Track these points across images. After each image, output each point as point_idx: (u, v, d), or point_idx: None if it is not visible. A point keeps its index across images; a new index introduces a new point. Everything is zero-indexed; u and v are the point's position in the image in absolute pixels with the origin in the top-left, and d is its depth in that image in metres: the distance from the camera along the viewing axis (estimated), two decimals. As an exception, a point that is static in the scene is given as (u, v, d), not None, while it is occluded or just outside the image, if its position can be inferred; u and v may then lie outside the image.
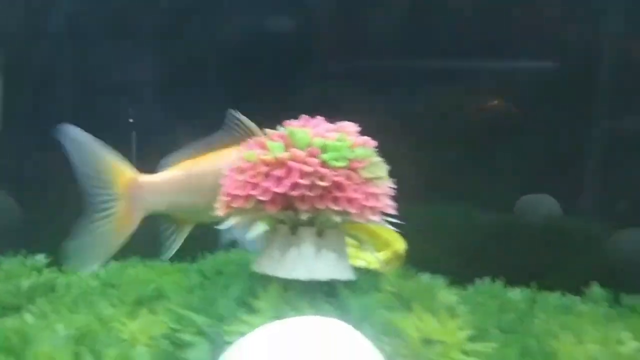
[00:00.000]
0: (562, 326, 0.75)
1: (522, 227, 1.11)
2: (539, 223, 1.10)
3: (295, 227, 0.64)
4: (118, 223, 0.70)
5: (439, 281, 0.82)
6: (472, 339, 0.63)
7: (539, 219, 1.11)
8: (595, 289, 0.94)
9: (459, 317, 0.63)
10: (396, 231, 0.89)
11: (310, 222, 0.64)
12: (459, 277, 0.98)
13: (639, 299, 0.94)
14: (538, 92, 1.07)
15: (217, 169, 0.67)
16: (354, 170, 0.63)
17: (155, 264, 0.98)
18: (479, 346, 0.59)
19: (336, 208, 0.60)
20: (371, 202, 0.62)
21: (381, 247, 0.85)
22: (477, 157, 1.08)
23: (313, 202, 0.60)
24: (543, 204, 1.11)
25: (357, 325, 0.55)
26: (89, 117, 0.88)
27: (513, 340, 0.74)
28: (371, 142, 0.67)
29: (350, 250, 0.84)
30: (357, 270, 0.77)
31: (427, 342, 0.55)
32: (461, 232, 1.12)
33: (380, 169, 0.65)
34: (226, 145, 0.73)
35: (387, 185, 0.66)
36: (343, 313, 0.57)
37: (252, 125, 0.73)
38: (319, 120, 0.67)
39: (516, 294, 0.96)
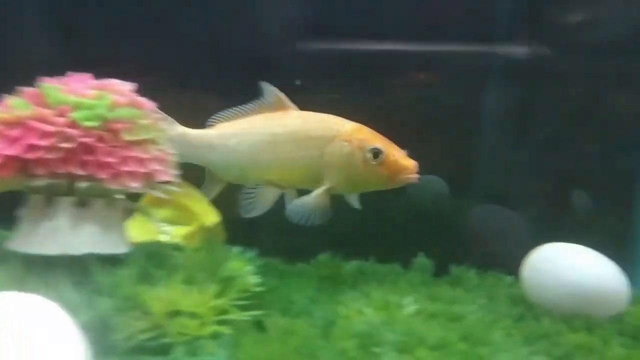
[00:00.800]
0: (364, 294, 0.77)
1: (401, 208, 1.13)
2: (424, 203, 1.13)
3: (51, 197, 0.59)
4: None
5: (248, 255, 0.80)
6: (246, 308, 0.62)
7: (427, 198, 1.14)
8: (422, 260, 0.98)
9: (231, 288, 0.61)
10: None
11: (69, 191, 0.59)
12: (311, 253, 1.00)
13: (465, 270, 0.99)
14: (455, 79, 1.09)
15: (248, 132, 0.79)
16: (112, 131, 0.58)
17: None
18: (238, 316, 0.58)
19: (81, 172, 0.55)
20: (131, 167, 0.58)
21: (188, 220, 0.82)
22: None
23: (54, 167, 0.55)
24: (432, 185, 1.15)
25: (93, 301, 0.52)
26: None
27: (310, 310, 0.74)
28: (144, 104, 0.62)
29: (154, 224, 0.81)
30: (150, 243, 0.74)
31: (173, 314, 0.53)
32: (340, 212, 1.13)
33: (150, 132, 0.61)
34: (260, 112, 0.82)
35: (161, 150, 0.62)
36: (83, 288, 0.53)
37: (282, 95, 0.82)
38: (84, 77, 0.62)
39: (351, 266, 0.98)
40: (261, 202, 0.80)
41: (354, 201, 0.86)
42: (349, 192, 0.83)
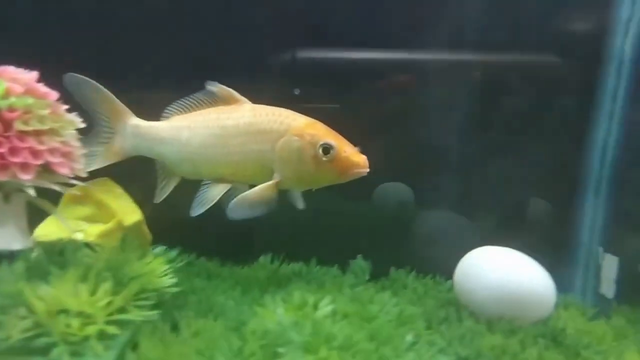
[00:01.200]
0: (287, 294, 0.76)
1: (362, 213, 1.13)
2: (386, 208, 1.13)
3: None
4: (107, 151, 0.81)
5: (169, 255, 0.78)
6: (153, 308, 0.60)
7: (391, 205, 1.14)
8: (359, 262, 0.98)
9: (135, 288, 0.59)
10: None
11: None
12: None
13: (405, 273, 0.99)
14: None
15: (199, 126, 0.79)
16: (3, 121, 0.56)
17: None
18: (135, 316, 0.56)
19: (-36, 163, 0.53)
20: (23, 159, 0.56)
21: (107, 218, 0.79)
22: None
23: None
24: (397, 192, 1.14)
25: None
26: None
27: (231, 311, 0.73)
28: (45, 94, 0.60)
29: (73, 222, 0.78)
30: (56, 241, 0.71)
31: (58, 313, 0.51)
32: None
33: (49, 122, 0.59)
34: (213, 105, 0.82)
35: (63, 143, 0.60)
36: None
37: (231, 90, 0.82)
38: (-19, 64, 0.59)
39: (290, 268, 0.98)
40: (206, 197, 0.79)
41: (298, 201, 0.85)
42: (298, 187, 0.82)
